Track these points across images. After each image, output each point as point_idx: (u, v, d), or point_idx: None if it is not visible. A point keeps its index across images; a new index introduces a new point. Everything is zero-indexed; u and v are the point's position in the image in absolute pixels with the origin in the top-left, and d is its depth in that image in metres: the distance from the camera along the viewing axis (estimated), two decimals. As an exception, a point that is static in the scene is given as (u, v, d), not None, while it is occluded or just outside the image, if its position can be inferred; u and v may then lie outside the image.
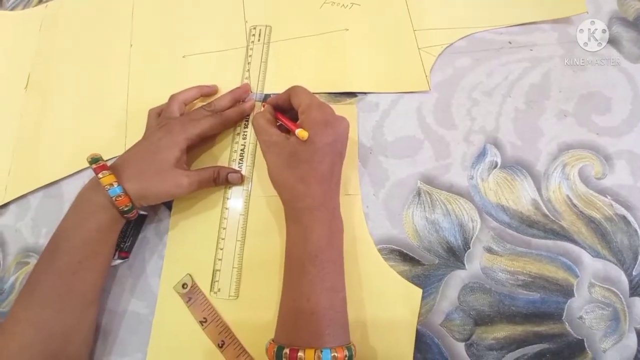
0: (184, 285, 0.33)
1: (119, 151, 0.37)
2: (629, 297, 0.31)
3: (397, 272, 0.32)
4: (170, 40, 0.42)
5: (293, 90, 0.33)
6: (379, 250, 0.33)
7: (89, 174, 0.38)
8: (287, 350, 0.25)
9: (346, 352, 0.26)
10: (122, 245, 0.33)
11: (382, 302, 0.31)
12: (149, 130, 0.35)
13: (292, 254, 0.29)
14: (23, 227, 0.37)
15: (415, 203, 0.34)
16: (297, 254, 0.29)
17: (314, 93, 0.38)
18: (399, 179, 0.35)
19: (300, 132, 0.29)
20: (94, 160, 0.30)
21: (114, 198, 0.29)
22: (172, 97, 0.36)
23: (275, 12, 0.42)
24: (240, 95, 0.38)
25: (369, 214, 0.34)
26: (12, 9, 0.48)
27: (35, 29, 0.45)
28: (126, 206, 0.30)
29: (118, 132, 0.39)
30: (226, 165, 0.36)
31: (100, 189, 0.29)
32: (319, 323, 0.27)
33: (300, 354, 0.25)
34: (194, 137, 0.33)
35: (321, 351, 0.25)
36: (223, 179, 0.34)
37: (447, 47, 0.38)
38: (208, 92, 0.39)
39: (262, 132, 0.32)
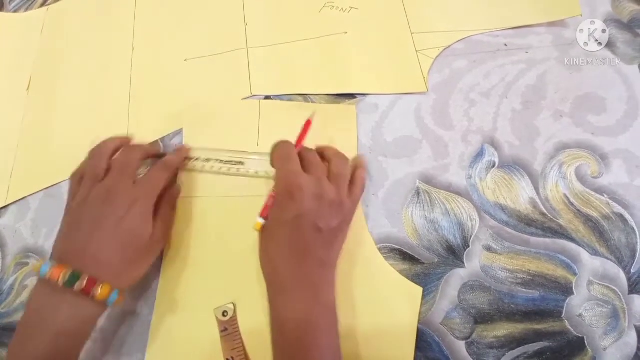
0: (224, 313, 0.31)
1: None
2: (628, 294, 0.31)
3: (397, 271, 0.32)
4: (172, 43, 0.43)
5: (273, 152, 0.31)
6: (379, 249, 0.33)
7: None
8: None
9: None
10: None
11: (383, 301, 0.31)
12: (83, 202, 0.29)
13: (274, 344, 0.27)
14: (23, 227, 0.37)
15: (414, 202, 0.34)
16: (279, 348, 0.27)
17: (314, 95, 0.39)
18: (398, 178, 0.35)
19: (256, 225, 0.29)
20: (74, 277, 0.25)
21: (113, 302, 0.27)
22: (95, 153, 0.31)
23: (275, 16, 0.43)
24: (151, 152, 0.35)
25: (369, 213, 0.34)
26: (15, 11, 0.48)
27: (37, 32, 0.46)
28: (122, 302, 0.28)
29: (120, 134, 0.39)
30: None
31: (89, 302, 0.26)
32: None
33: None
34: (155, 198, 0.30)
35: None
36: (171, 174, 0.33)
37: (445, 49, 0.39)
38: (126, 142, 0.34)
39: None
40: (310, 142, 0.36)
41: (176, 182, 0.35)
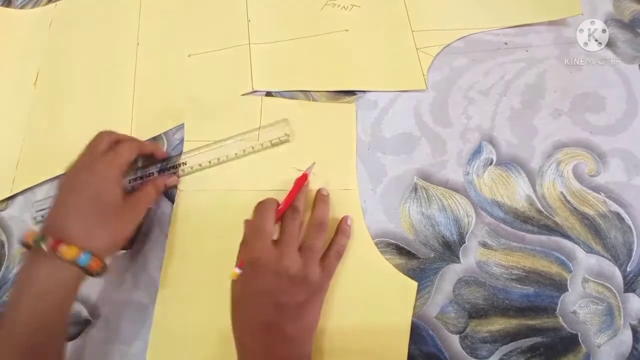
0: None
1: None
2: (624, 292, 0.31)
3: (393, 266, 0.32)
4: (176, 39, 0.44)
5: (254, 211, 0.31)
6: (376, 243, 0.33)
7: (94, 168, 0.39)
8: None
9: None
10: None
11: (378, 294, 0.32)
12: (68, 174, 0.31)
13: None
14: (29, 217, 0.38)
15: (411, 198, 0.35)
16: None
17: (314, 91, 0.39)
18: (396, 174, 0.36)
19: (233, 274, 0.29)
20: (40, 239, 0.26)
21: (87, 266, 0.27)
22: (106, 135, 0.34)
23: (277, 13, 0.43)
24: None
25: (367, 208, 0.35)
26: (22, 8, 0.49)
27: (45, 27, 0.47)
28: (100, 268, 0.28)
29: (124, 129, 0.40)
30: None
31: (61, 264, 0.26)
32: None
33: None
34: (121, 167, 0.32)
35: None
36: (161, 187, 0.35)
37: (445, 47, 0.39)
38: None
39: None
40: (310, 140, 0.37)
41: (176, 174, 0.36)
